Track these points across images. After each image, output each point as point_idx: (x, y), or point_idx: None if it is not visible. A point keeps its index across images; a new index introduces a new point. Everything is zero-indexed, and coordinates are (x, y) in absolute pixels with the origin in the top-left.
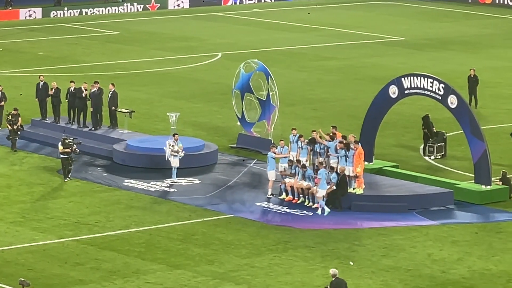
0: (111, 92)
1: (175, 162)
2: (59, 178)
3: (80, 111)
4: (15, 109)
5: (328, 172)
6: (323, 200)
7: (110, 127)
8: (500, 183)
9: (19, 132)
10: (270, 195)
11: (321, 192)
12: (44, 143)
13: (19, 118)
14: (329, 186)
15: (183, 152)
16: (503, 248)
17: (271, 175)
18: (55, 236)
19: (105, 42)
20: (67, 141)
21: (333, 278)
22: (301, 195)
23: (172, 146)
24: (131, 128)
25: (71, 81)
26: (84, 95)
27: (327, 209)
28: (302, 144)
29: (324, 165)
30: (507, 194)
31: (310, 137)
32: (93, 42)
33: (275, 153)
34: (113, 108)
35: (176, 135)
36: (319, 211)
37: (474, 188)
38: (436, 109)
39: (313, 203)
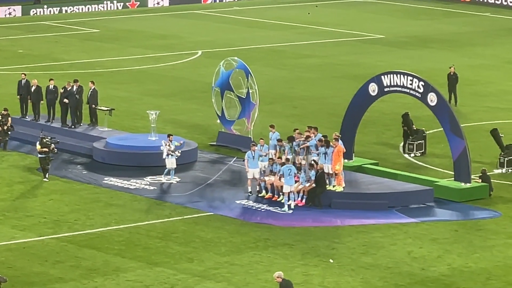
0: (91, 90)
1: (171, 163)
2: (39, 176)
3: (67, 109)
4: (5, 109)
5: (307, 169)
6: (297, 197)
7: (90, 125)
8: (480, 180)
9: (9, 133)
10: (249, 193)
11: (285, 188)
12: (24, 141)
13: (9, 119)
14: (308, 184)
15: (179, 151)
16: (483, 245)
17: (251, 173)
18: (35, 234)
19: (85, 40)
20: (45, 141)
21: (281, 281)
22: (281, 193)
23: (169, 146)
24: (111, 126)
25: (50, 79)
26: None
27: (286, 207)
28: (283, 147)
29: (290, 162)
30: (486, 191)
31: (288, 136)
32: (73, 40)
33: (254, 151)
34: (93, 106)
35: (170, 136)
36: (285, 208)
37: (454, 185)
38: (416, 107)
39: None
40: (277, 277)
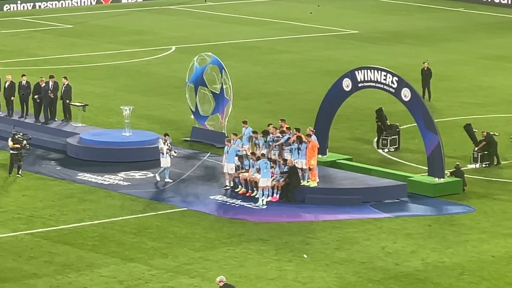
0: (64, 86)
1: (167, 162)
2: (13, 172)
3: (42, 105)
4: None
5: (281, 164)
6: (268, 191)
7: (64, 121)
8: (453, 175)
9: None
10: (225, 186)
11: (261, 182)
12: None
13: None
14: (282, 179)
15: (175, 151)
16: (457, 240)
17: (228, 167)
18: (8, 230)
19: (59, 35)
20: (17, 137)
21: (222, 285)
22: (255, 188)
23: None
24: (85, 122)
25: (23, 75)
26: (49, 93)
27: (261, 202)
28: (257, 140)
29: (266, 157)
30: (460, 186)
31: (263, 130)
32: (47, 35)
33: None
34: (67, 101)
35: (167, 136)
36: (260, 203)
37: (428, 180)
38: (389, 102)
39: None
40: (219, 282)
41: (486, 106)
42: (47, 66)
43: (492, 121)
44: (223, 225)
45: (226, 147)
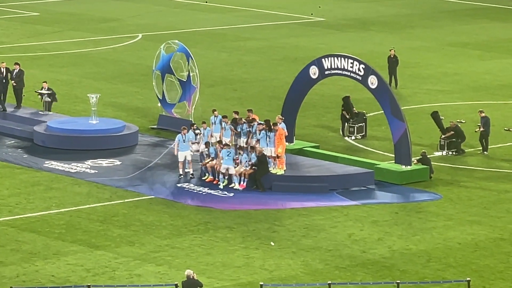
0: (16, 71)
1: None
2: None
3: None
4: None
5: (248, 152)
6: (237, 178)
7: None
8: (420, 163)
9: None
10: (180, 175)
11: (231, 169)
12: None
13: None
14: (249, 167)
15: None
16: (423, 227)
17: (183, 156)
18: None
19: (25, 23)
20: None
21: (186, 279)
22: (221, 175)
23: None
24: (52, 110)
25: None
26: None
27: (234, 185)
28: (226, 125)
29: (232, 145)
30: (427, 174)
31: (232, 118)
32: (12, 23)
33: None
34: (35, 91)
35: (194, 125)
36: (236, 187)
37: (394, 168)
38: (356, 90)
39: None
40: (187, 275)
41: (452, 93)
42: (12, 53)
43: (458, 108)
44: (190, 212)
45: (180, 135)
